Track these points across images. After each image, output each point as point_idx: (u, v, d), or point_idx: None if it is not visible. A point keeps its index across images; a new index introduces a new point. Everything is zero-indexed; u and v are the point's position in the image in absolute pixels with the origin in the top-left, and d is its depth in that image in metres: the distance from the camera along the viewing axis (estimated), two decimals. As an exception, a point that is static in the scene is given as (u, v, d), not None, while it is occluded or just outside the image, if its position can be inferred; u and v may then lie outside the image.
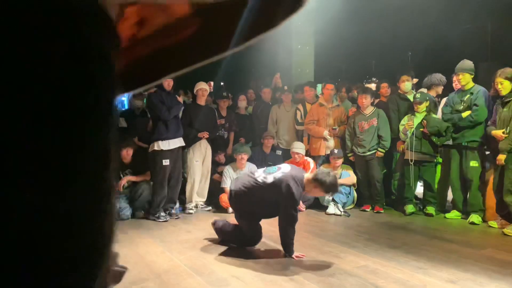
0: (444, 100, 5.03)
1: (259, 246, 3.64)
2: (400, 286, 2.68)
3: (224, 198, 5.14)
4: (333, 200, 5.05)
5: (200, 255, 3.38)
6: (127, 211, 4.69)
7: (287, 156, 5.73)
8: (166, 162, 4.64)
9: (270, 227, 4.39)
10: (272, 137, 5.87)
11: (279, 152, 5.95)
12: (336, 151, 5.28)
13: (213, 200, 5.34)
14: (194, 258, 3.32)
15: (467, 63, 4.60)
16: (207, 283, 2.77)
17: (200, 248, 3.58)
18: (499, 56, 7.40)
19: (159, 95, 4.65)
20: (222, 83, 9.10)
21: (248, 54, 8.59)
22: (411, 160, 4.86)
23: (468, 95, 4.54)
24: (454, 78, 4.94)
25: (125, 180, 4.81)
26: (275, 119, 6.06)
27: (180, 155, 4.89)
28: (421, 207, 5.05)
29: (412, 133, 4.86)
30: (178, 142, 4.78)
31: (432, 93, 5.30)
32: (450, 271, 2.96)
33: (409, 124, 4.86)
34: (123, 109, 6.09)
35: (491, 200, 4.41)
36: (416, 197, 5.24)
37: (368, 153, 5.11)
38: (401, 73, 5.35)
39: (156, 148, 4.63)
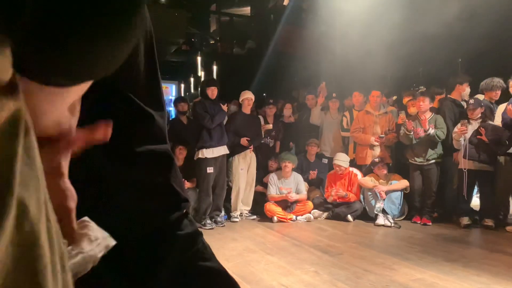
0: (502, 106, 4.73)
1: (308, 255, 3.55)
2: (462, 301, 2.50)
3: (268, 207, 5.10)
4: (383, 211, 4.86)
5: (247, 263, 3.34)
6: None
7: (332, 165, 5.62)
8: (210, 169, 4.67)
9: (316, 237, 4.30)
10: (316, 145, 5.78)
11: (325, 161, 5.84)
12: (378, 159, 5.10)
13: (257, 209, 5.30)
14: (241, 265, 3.28)
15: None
16: (256, 291, 2.72)
17: (246, 256, 3.54)
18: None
19: (202, 104, 4.71)
20: (264, 94, 9.15)
21: (292, 63, 8.59)
22: (465, 169, 4.60)
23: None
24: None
25: None
26: (321, 126, 5.97)
27: (224, 163, 4.92)
28: (478, 219, 4.75)
29: (467, 141, 4.60)
30: (223, 150, 4.81)
31: (490, 98, 5.02)
32: (517, 287, 2.73)
33: (462, 129, 4.61)
34: (171, 118, 6.23)
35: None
36: (471, 209, 4.93)
37: (426, 162, 4.89)
38: (455, 81, 5.12)
39: (200, 156, 4.68)
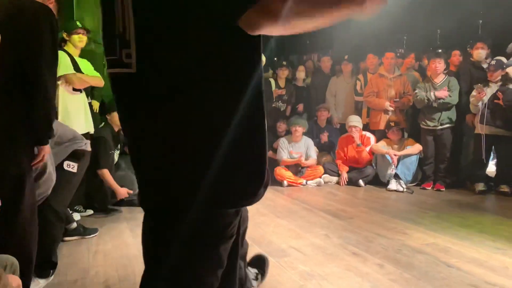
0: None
1: (318, 219, 3.50)
2: (477, 266, 2.44)
3: (278, 171, 5.04)
4: (396, 175, 4.77)
5: (257, 226, 3.30)
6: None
7: (343, 130, 5.50)
8: None
9: (327, 201, 4.25)
10: (326, 110, 5.63)
11: (337, 126, 5.72)
12: (392, 123, 4.96)
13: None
14: (251, 228, 3.21)
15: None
16: (267, 253, 2.68)
17: (257, 218, 3.51)
18: None
19: None
20: (275, 58, 8.90)
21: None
22: (483, 135, 4.44)
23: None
24: None
25: None
26: (334, 91, 5.80)
27: None
28: (494, 186, 4.63)
29: (485, 105, 4.41)
30: None
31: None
32: (534, 253, 2.65)
33: (481, 94, 4.42)
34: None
35: None
36: (487, 176, 4.81)
37: (440, 127, 4.73)
38: (476, 39, 4.86)
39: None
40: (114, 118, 3.93)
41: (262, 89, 0.89)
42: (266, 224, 3.35)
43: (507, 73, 4.46)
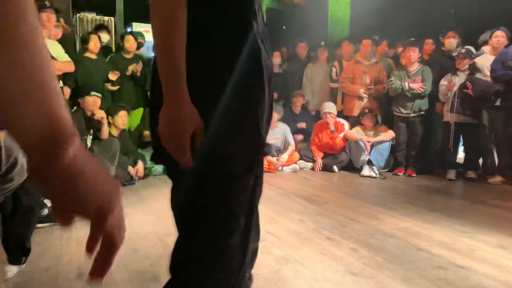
0: (489, 56, 4.63)
1: (294, 204, 3.55)
2: (445, 249, 2.53)
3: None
4: (369, 162, 4.87)
5: (232, 212, 3.32)
6: (159, 168, 4.67)
7: (318, 117, 5.54)
8: None
9: (302, 187, 4.30)
10: (301, 96, 5.66)
11: (312, 113, 5.75)
12: (366, 110, 5.05)
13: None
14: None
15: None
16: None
17: (232, 205, 3.52)
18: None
19: None
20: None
21: (279, 12, 8.22)
22: (452, 122, 4.58)
23: (522, 51, 4.16)
24: (498, 33, 4.51)
25: None
26: (310, 77, 5.82)
27: None
28: (462, 172, 4.81)
29: (454, 94, 4.54)
30: None
31: (486, 49, 4.92)
32: (498, 236, 2.78)
33: (452, 84, 4.54)
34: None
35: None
36: (457, 163, 4.97)
37: (412, 114, 4.84)
38: (448, 28, 4.97)
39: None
40: (87, 102, 3.82)
41: (262, 64, 0.95)
42: (242, 210, 3.37)
43: (474, 62, 4.59)
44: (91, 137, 3.89)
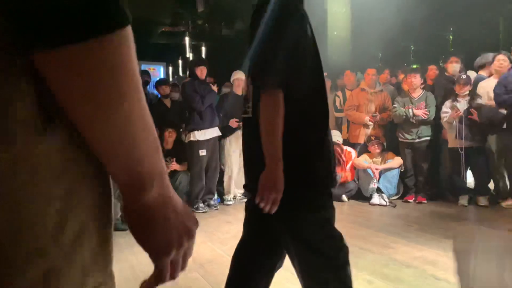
0: (489, 80, 4.66)
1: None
2: (463, 277, 2.45)
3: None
4: (378, 189, 4.81)
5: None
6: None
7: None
8: (202, 152, 4.56)
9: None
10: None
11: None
12: (373, 137, 5.03)
13: (251, 191, 5.22)
14: (237, 248, 3.20)
15: (523, 39, 4.23)
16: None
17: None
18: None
19: (191, 85, 4.56)
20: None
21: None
22: (461, 149, 4.52)
23: (526, 74, 4.17)
24: (500, 57, 4.54)
25: (171, 168, 4.75)
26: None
27: (217, 145, 4.80)
28: (473, 197, 4.72)
29: (460, 121, 4.50)
30: (215, 132, 4.69)
31: (484, 73, 4.95)
32: (518, 262, 2.69)
33: (458, 113, 4.50)
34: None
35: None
36: (468, 188, 4.88)
37: (417, 140, 4.82)
38: (447, 54, 5.04)
39: (192, 138, 4.56)
40: None
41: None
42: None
43: (473, 89, 4.59)
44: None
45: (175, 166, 4.73)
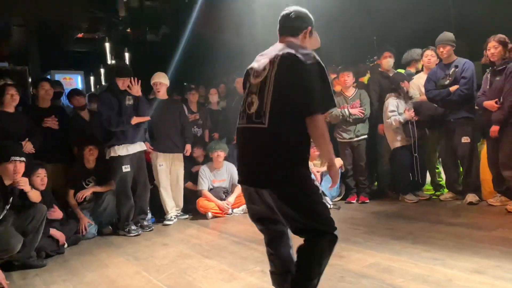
0: (418, 76, 4.76)
1: (250, 253, 3.19)
2: (422, 283, 2.31)
3: (201, 203, 4.65)
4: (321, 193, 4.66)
5: (182, 272, 2.88)
6: (92, 229, 4.10)
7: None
8: (126, 168, 4.08)
9: (256, 229, 3.95)
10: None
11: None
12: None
13: (189, 207, 4.82)
14: (176, 276, 2.82)
15: (448, 35, 4.32)
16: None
17: (181, 263, 3.08)
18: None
19: (108, 100, 4.05)
20: (185, 83, 8.54)
21: (212, 48, 8.07)
22: (414, 149, 4.47)
23: (452, 69, 4.26)
24: (428, 53, 4.63)
25: (90, 191, 4.21)
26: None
27: (143, 159, 4.31)
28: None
29: (406, 121, 4.48)
30: (139, 146, 4.22)
31: (412, 69, 5.03)
32: (471, 259, 2.62)
33: (410, 113, 4.46)
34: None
35: (486, 175, 4.15)
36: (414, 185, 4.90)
37: (356, 138, 4.75)
38: (383, 49, 5.03)
39: (113, 154, 4.07)
40: (7, 170, 3.17)
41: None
42: (194, 269, 2.94)
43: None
44: (7, 206, 3.23)
45: (92, 189, 4.22)
